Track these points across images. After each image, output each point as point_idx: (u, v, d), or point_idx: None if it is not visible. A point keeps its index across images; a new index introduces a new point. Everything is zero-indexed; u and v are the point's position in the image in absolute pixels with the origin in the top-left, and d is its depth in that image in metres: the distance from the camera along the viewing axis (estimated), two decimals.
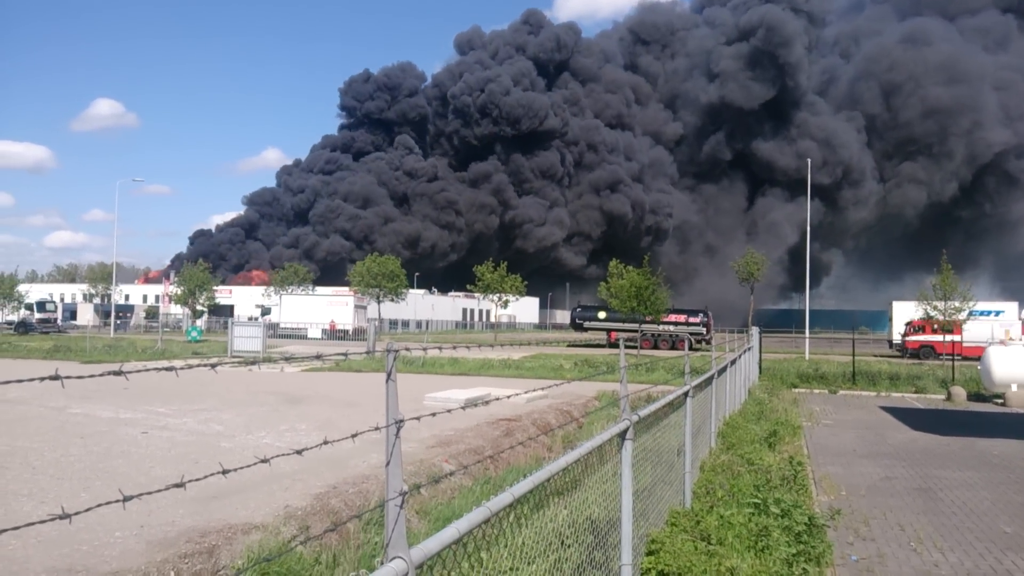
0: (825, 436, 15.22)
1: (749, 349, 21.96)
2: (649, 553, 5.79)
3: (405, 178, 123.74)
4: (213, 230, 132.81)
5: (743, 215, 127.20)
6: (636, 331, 47.24)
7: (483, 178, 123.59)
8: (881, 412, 19.78)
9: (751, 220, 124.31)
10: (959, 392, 23.17)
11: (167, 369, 1.98)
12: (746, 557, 6.16)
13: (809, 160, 50.68)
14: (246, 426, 13.66)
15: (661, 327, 51.58)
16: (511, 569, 3.68)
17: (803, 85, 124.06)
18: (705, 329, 52.44)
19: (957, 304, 37.62)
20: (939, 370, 29.99)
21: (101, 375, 1.90)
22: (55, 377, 1.62)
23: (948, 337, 35.98)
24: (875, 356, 40.66)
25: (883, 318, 65.73)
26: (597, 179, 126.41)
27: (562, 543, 4.27)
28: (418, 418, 2.62)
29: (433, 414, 2.89)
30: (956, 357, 30.60)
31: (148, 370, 1.97)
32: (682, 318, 53.05)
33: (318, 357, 2.67)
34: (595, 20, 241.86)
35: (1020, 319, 47.95)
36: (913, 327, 46.63)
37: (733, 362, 15.05)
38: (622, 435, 4.75)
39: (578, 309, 61.72)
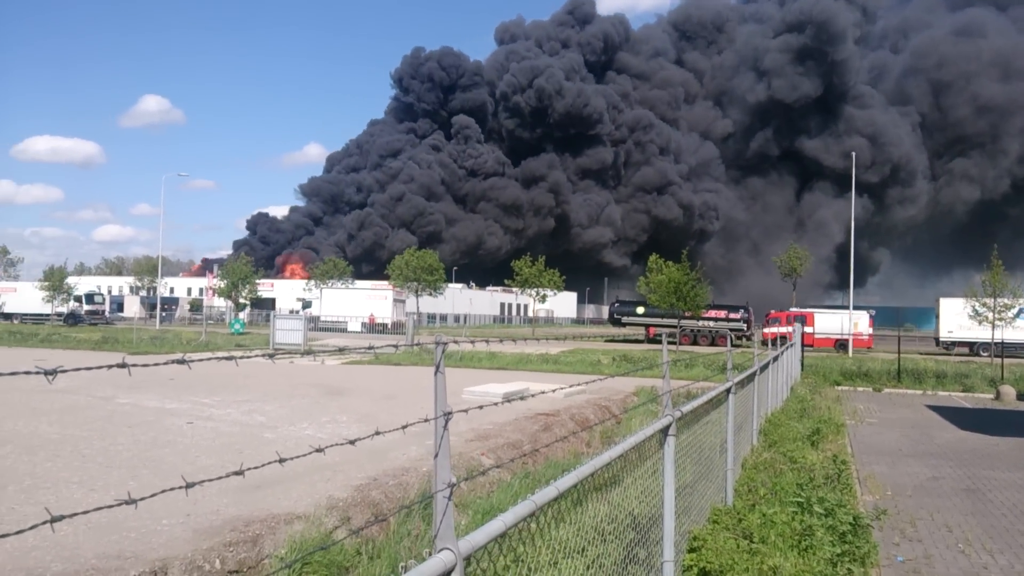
0: (870, 435, 14.96)
1: (791, 346, 21.66)
2: (691, 550, 5.75)
3: (464, 172, 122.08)
4: (271, 216, 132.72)
5: (790, 212, 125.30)
6: (675, 327, 46.87)
7: (538, 177, 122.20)
8: (927, 411, 19.38)
9: (798, 218, 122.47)
10: (1008, 391, 22.59)
11: (227, 358, 2.03)
12: (789, 556, 6.08)
13: (854, 155, 49.67)
14: (288, 418, 13.85)
15: (701, 323, 51.09)
16: (552, 564, 3.67)
17: (852, 80, 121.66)
18: (746, 325, 51.84)
19: (1007, 301, 36.73)
20: (987, 368, 29.28)
21: (165, 363, 1.95)
22: (122, 365, 1.67)
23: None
24: (921, 354, 39.86)
25: (930, 315, 64.37)
26: (646, 179, 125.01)
27: (603, 539, 4.26)
28: (466, 411, 2.62)
29: (480, 407, 2.90)
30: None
31: (210, 359, 2.02)
32: (722, 314, 52.54)
33: (341, 350, 2.69)
34: (635, 14, 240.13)
35: None
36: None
37: (775, 359, 14.85)
38: (664, 431, 4.71)
39: (616, 304, 61.46)
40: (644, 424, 5.51)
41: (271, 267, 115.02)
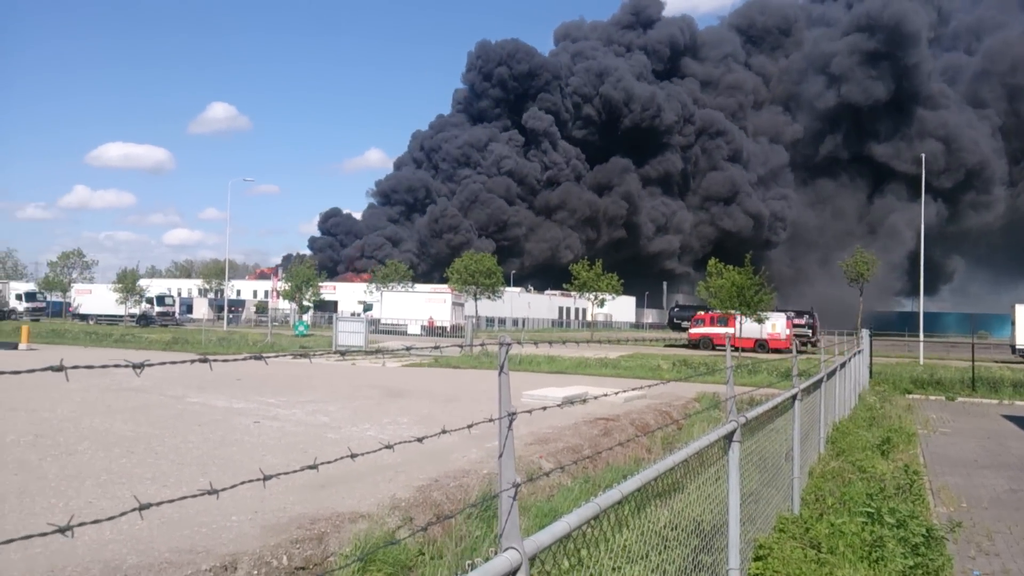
0: (943, 445, 14.46)
1: (859, 352, 21.09)
2: (757, 559, 5.64)
3: (541, 177, 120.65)
4: (344, 212, 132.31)
5: (860, 218, 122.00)
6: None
7: (611, 185, 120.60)
8: (1004, 421, 18.63)
9: (868, 223, 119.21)
10: None
11: (302, 355, 2.09)
12: (859, 568, 5.93)
13: (923, 158, 48.14)
14: (351, 418, 14.08)
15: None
16: (614, 568, 3.65)
17: (925, 82, 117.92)
18: (811, 331, 50.67)
19: None
20: None
21: (244, 359, 2.02)
22: (204, 360, 1.72)
23: None
24: (996, 362, 38.34)
25: (1005, 322, 61.91)
26: (714, 187, 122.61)
27: (666, 545, 4.21)
28: (530, 411, 2.63)
29: (544, 408, 2.90)
30: None
31: (286, 355, 2.09)
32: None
33: (408, 349, 2.73)
34: (696, 14, 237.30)
35: None
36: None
37: (842, 365, 14.48)
38: (729, 437, 4.64)
39: (676, 308, 60.87)
40: (706, 430, 5.43)
41: (342, 263, 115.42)
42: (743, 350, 45.23)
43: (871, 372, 26.52)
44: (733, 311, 41.02)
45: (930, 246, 48.54)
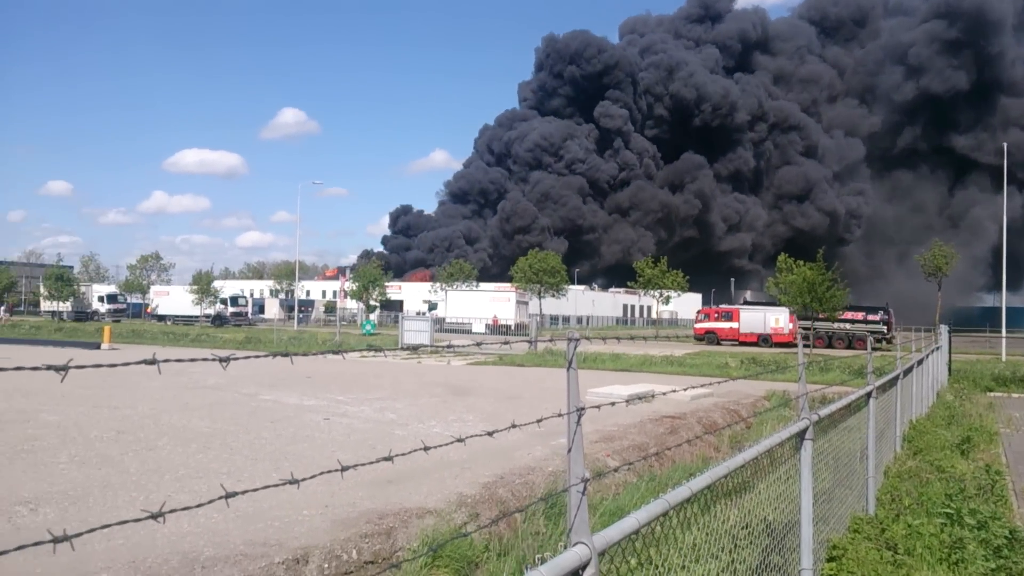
0: None
1: (937, 349, 20.36)
2: (830, 559, 5.51)
3: (614, 175, 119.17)
4: (415, 209, 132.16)
5: (941, 210, 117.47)
6: (808, 329, 45.06)
7: (684, 183, 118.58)
8: None
9: (948, 216, 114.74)
10: None
11: (376, 349, 2.16)
12: (937, 570, 5.73)
13: (1006, 148, 46.20)
14: (417, 415, 14.25)
15: (836, 325, 48.78)
16: (682, 567, 3.61)
17: (1009, 71, 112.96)
18: (886, 327, 49.14)
19: None
20: None
21: (322, 353, 2.08)
22: (285, 354, 1.79)
23: None
24: None
25: None
26: (788, 184, 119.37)
27: (735, 544, 4.15)
28: (598, 407, 2.62)
29: (613, 403, 2.89)
30: None
31: (362, 349, 2.17)
32: (859, 315, 49.99)
33: (478, 344, 2.75)
34: (767, 5, 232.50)
35: None
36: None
37: (919, 362, 14.01)
38: (801, 435, 4.54)
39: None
40: (776, 429, 5.32)
41: (410, 263, 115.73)
42: (746, 344, 48.54)
43: (950, 369, 25.58)
44: (804, 308, 40.07)
45: (1014, 239, 46.56)
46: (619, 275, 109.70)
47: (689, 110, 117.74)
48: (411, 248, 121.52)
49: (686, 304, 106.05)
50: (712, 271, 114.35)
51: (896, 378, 10.17)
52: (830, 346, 49.00)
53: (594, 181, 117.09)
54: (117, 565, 5.64)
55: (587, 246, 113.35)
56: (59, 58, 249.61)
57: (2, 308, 72.18)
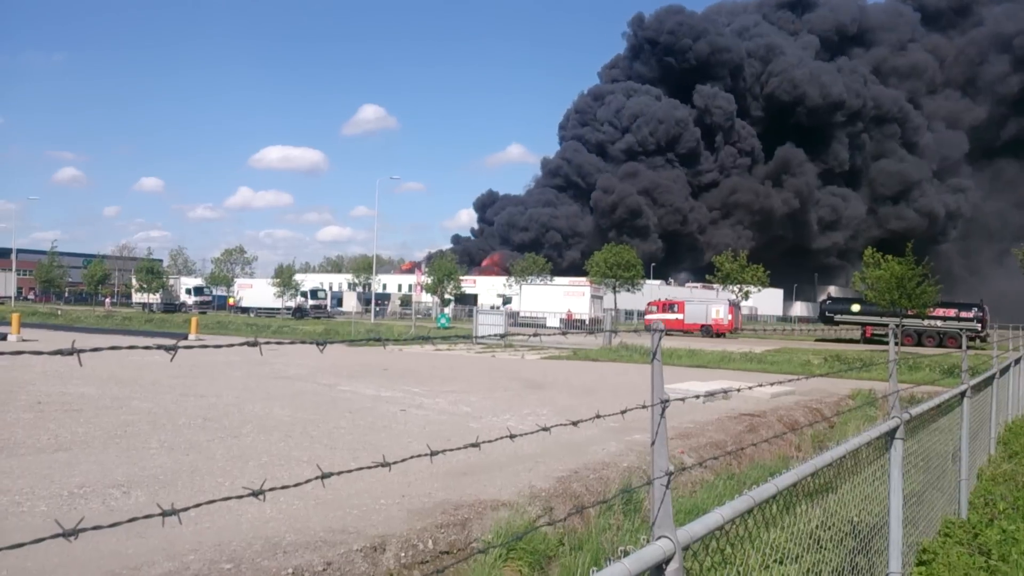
0: None
1: None
2: (920, 563, 5.29)
3: (715, 172, 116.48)
4: (503, 195, 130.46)
5: None
6: (897, 326, 43.46)
7: (780, 178, 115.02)
8: None
9: None
10: None
11: (463, 338, 2.20)
12: None
13: None
14: (492, 408, 14.32)
15: (927, 322, 46.87)
16: (764, 567, 3.51)
17: None
18: (980, 325, 46.99)
19: None
20: None
21: (412, 340, 2.09)
22: (377, 339, 1.83)
23: None
24: None
25: None
26: (885, 183, 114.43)
27: (819, 546, 4.02)
28: (683, 399, 2.57)
29: (698, 396, 2.82)
30: None
31: (448, 338, 2.18)
32: (952, 312, 47.91)
33: (565, 334, 2.71)
34: None
35: None
36: None
37: (1017, 361, 13.34)
38: (891, 434, 4.36)
39: (829, 301, 58.03)
40: (862, 428, 5.13)
41: (504, 245, 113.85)
42: (690, 334, 52.67)
43: None
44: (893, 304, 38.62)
45: None
46: (668, 261, 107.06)
47: (787, 100, 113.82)
48: (494, 236, 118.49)
49: (767, 300, 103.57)
50: (796, 265, 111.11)
51: (992, 377, 9.71)
52: (920, 344, 47.17)
53: (697, 174, 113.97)
54: (204, 547, 5.84)
55: (689, 240, 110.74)
56: (153, 62, 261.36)
57: (108, 300, 76.36)
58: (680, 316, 56.05)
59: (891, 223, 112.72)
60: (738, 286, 64.19)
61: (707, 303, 58.94)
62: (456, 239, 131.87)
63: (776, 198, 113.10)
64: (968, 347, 8.65)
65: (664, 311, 56.91)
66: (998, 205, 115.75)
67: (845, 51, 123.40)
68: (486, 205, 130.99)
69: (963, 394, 7.13)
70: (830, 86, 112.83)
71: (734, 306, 58.22)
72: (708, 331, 54.63)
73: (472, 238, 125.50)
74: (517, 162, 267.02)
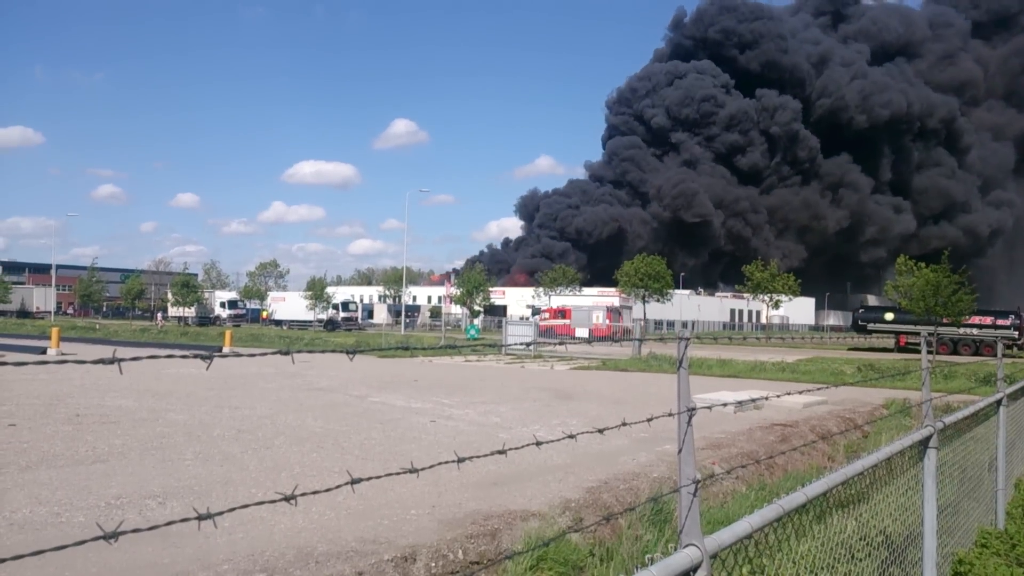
0: None
1: None
2: (956, 574, 5.21)
3: (765, 174, 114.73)
4: (542, 192, 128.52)
5: None
6: (931, 334, 42.71)
7: (835, 188, 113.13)
8: None
9: None
10: None
11: (492, 346, 2.24)
12: None
13: None
14: (521, 419, 14.33)
15: (962, 330, 46.02)
16: None
17: None
18: (1017, 332, 46.05)
19: None
20: None
21: (441, 347, 2.14)
22: (406, 347, 1.86)
23: None
24: None
25: None
26: (929, 201, 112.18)
27: (851, 556, 3.98)
28: (709, 407, 2.58)
29: (725, 404, 2.83)
30: None
31: (478, 345, 2.24)
32: (988, 320, 47.01)
33: (590, 343, 2.74)
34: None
35: None
36: None
37: None
38: (924, 443, 4.31)
39: (862, 310, 57.24)
40: (895, 438, 5.08)
41: (552, 246, 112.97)
42: (576, 339, 53.39)
43: None
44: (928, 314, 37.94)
45: None
46: (697, 271, 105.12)
47: (844, 109, 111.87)
48: (541, 239, 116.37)
49: (798, 309, 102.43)
50: (830, 273, 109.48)
51: None
52: (955, 352, 46.32)
53: (746, 184, 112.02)
54: (237, 557, 5.92)
55: (746, 251, 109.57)
56: (190, 81, 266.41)
57: (160, 315, 78.01)
58: (568, 322, 58.68)
59: (933, 243, 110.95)
60: (769, 295, 63.56)
61: (591, 310, 60.71)
62: (481, 252, 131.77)
63: (831, 218, 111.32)
64: (1005, 355, 8.51)
65: (555, 317, 59.71)
66: None
67: (890, 57, 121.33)
68: (527, 203, 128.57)
69: (999, 402, 7.02)
70: (888, 95, 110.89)
71: (612, 312, 60.33)
72: (589, 335, 56.56)
73: (499, 248, 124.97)
74: (547, 173, 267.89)
